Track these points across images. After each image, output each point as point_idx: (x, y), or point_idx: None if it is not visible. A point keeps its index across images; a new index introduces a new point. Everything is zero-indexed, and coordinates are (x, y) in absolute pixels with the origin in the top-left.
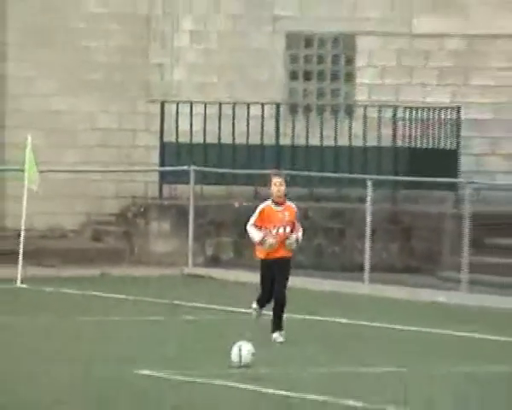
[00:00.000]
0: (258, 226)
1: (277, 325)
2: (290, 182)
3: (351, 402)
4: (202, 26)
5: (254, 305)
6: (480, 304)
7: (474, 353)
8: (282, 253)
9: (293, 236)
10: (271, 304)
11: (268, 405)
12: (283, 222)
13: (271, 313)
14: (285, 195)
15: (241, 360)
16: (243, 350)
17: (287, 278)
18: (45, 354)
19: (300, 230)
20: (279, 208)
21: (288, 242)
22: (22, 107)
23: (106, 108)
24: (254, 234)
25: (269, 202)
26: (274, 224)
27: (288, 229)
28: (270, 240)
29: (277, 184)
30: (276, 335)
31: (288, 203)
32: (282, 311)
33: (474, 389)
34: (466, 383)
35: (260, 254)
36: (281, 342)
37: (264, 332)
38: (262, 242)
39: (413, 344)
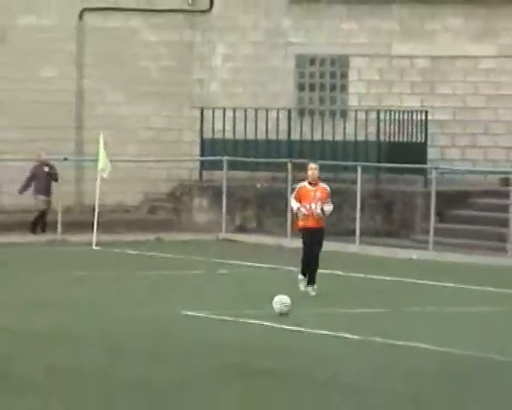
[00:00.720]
0: (298, 200)
1: (311, 280)
2: (298, 168)
3: (347, 335)
4: (232, 50)
5: (300, 276)
6: (443, 260)
7: (438, 297)
8: (314, 224)
9: (319, 207)
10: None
11: (284, 336)
12: (315, 199)
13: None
14: (319, 178)
15: (283, 309)
16: (285, 302)
17: (320, 244)
18: (112, 298)
19: (330, 205)
20: (312, 188)
21: (315, 212)
22: (96, 112)
23: (159, 113)
24: (293, 204)
25: (305, 183)
26: (308, 200)
27: (320, 204)
28: (302, 210)
29: (312, 169)
30: (309, 288)
31: (321, 184)
32: (316, 270)
33: (434, 324)
34: (428, 320)
35: (300, 223)
36: (313, 295)
37: (279, 283)
38: (297, 211)
39: (393, 291)
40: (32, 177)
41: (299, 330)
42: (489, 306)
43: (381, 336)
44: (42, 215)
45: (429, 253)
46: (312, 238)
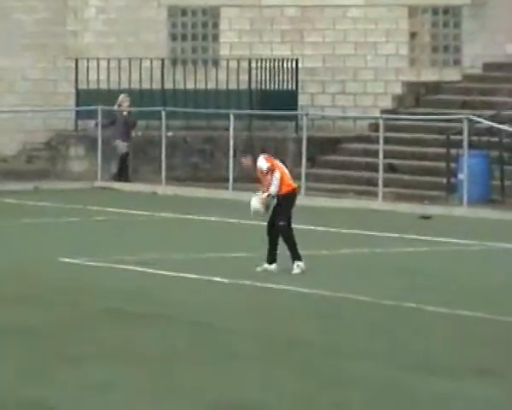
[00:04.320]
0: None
1: (292, 255)
2: (172, 116)
3: (218, 279)
4: (105, 2)
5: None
6: (314, 204)
7: (309, 241)
8: None
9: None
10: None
11: (158, 281)
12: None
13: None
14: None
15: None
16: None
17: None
18: None
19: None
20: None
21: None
22: None
23: (35, 65)
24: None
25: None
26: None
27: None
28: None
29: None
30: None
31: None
32: (285, 244)
33: (305, 266)
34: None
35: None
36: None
37: (154, 229)
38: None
39: (257, 235)
40: (112, 122)
41: (173, 276)
42: (352, 248)
43: (252, 280)
44: (123, 161)
45: (301, 197)
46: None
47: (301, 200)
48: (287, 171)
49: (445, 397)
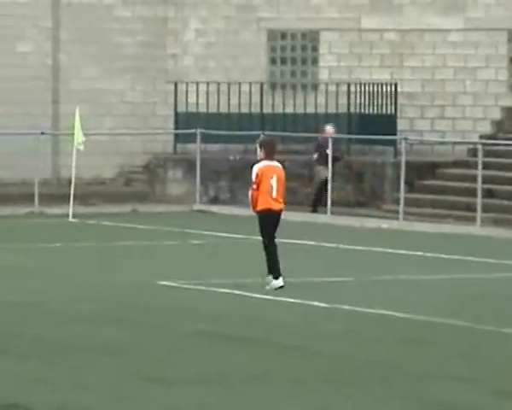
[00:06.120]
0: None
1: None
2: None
3: (316, 303)
4: (204, 25)
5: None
6: (412, 229)
7: (408, 265)
8: None
9: None
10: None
11: (256, 305)
12: None
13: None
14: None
15: None
16: None
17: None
18: (88, 269)
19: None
20: None
21: None
22: (72, 87)
23: (134, 87)
24: None
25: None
26: None
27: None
28: None
29: None
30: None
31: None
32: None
33: (403, 292)
34: (398, 288)
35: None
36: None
37: (251, 253)
38: None
39: (363, 260)
40: (319, 147)
41: (270, 299)
42: (450, 273)
43: (350, 304)
44: (321, 188)
45: (399, 222)
46: None
47: (399, 225)
48: (274, 185)
49: None
